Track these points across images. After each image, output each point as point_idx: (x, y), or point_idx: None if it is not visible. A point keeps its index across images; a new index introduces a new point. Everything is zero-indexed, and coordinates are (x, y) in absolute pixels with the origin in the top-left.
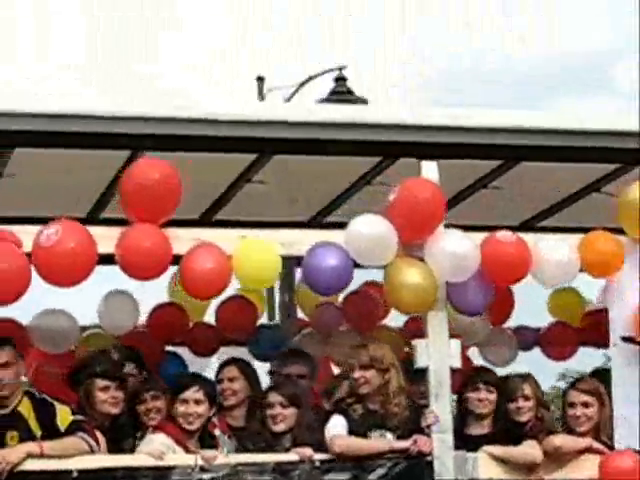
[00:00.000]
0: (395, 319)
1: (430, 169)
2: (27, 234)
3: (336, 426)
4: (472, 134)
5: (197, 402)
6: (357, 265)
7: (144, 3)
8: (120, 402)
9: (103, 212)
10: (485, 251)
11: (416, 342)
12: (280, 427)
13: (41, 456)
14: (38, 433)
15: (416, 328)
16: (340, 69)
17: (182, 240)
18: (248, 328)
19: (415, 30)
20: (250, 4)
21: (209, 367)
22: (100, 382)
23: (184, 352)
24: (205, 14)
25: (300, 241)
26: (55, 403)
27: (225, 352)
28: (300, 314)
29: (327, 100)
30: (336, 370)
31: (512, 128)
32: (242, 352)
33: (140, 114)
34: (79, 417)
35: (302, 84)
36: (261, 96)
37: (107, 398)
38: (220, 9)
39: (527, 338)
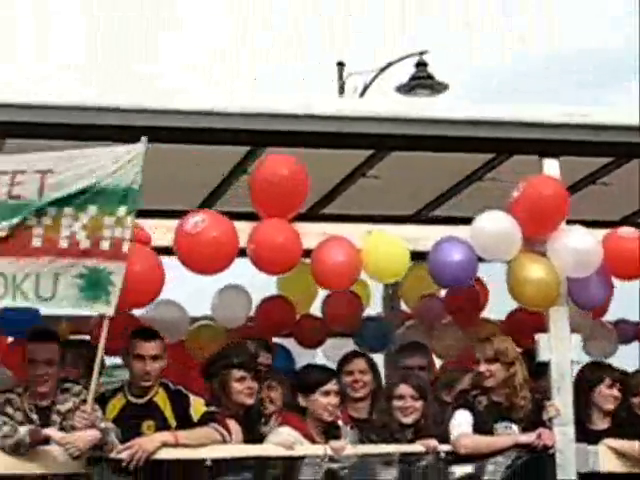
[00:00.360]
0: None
1: (552, 166)
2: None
3: (461, 424)
4: (590, 131)
5: (336, 394)
6: (480, 260)
7: (144, 3)
8: (254, 393)
9: (214, 206)
10: (607, 247)
11: (538, 336)
12: (410, 419)
13: (176, 445)
14: (173, 423)
15: (516, 322)
16: (421, 54)
17: (310, 235)
18: (354, 320)
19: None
20: (250, 4)
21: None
22: (237, 373)
23: (289, 343)
24: (205, 14)
25: (426, 236)
26: (189, 394)
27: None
28: (403, 306)
29: (408, 85)
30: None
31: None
32: (347, 344)
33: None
34: (212, 408)
35: (382, 69)
36: (341, 81)
37: (243, 389)
38: (220, 9)
39: (627, 332)
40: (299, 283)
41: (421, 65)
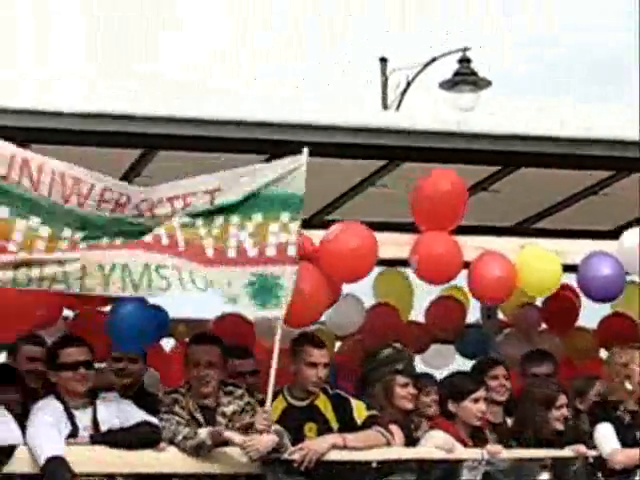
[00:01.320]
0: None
1: None
2: None
3: (608, 438)
4: None
5: (484, 401)
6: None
7: (144, 3)
8: (414, 399)
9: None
10: None
11: None
12: (563, 426)
13: (344, 447)
14: (334, 426)
15: (609, 330)
16: (464, 50)
17: (467, 247)
18: (457, 327)
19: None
20: (250, 4)
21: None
22: (401, 379)
23: None
24: (205, 14)
25: (575, 251)
26: (349, 398)
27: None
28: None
29: (451, 82)
30: None
31: None
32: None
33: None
34: (374, 412)
35: (425, 65)
36: (384, 77)
37: (406, 394)
38: (220, 9)
39: None
40: (396, 290)
41: (464, 61)
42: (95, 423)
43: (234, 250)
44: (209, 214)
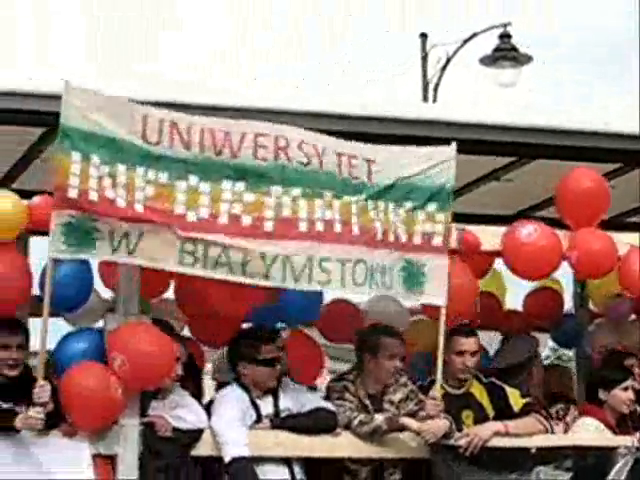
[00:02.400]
0: None
1: None
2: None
3: None
4: None
5: (633, 390)
6: None
7: (144, 3)
8: None
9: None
10: None
11: None
12: None
13: (505, 434)
14: (490, 413)
15: None
16: (505, 26)
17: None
18: (554, 316)
19: None
20: (250, 4)
21: None
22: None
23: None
24: (205, 14)
25: None
26: (504, 385)
27: None
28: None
29: (491, 57)
30: None
31: None
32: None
33: None
34: (529, 399)
35: (466, 41)
36: (424, 53)
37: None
38: (220, 9)
39: None
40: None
41: (505, 37)
42: (276, 410)
43: (393, 235)
44: (375, 194)
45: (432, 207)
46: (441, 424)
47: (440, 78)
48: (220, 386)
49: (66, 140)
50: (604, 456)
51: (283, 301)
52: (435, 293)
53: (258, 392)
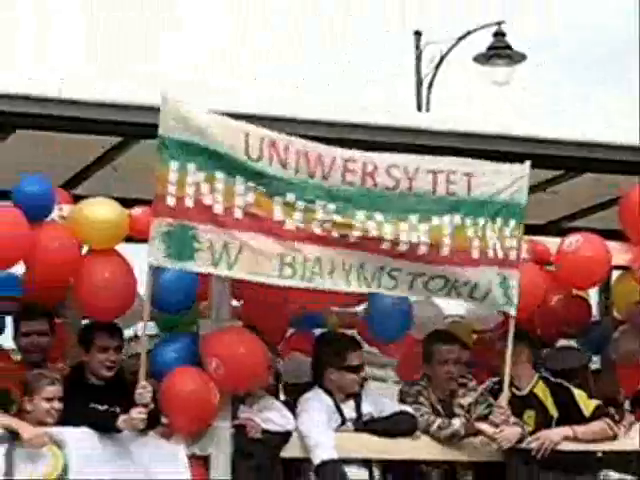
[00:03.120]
0: None
1: None
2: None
3: None
4: None
5: None
6: None
7: (144, 3)
8: None
9: None
10: None
11: None
12: None
13: (574, 439)
14: (554, 414)
15: None
16: (499, 24)
17: None
18: (583, 324)
19: None
20: (250, 4)
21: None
22: None
23: None
24: (205, 14)
25: None
26: (571, 387)
27: None
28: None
29: (485, 55)
30: None
31: None
32: None
33: None
34: (599, 402)
35: (460, 39)
36: (418, 51)
37: None
38: (220, 9)
39: None
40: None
41: (499, 35)
42: (359, 414)
43: (492, 251)
44: (472, 210)
45: (513, 223)
46: (515, 431)
47: (434, 76)
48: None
49: (164, 150)
50: None
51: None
52: (510, 303)
53: (341, 396)
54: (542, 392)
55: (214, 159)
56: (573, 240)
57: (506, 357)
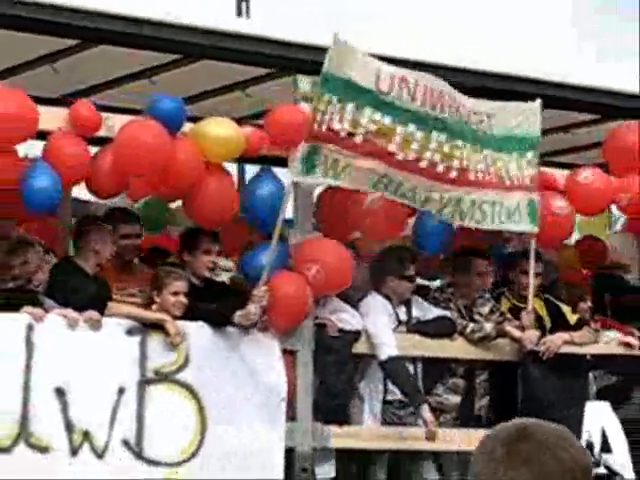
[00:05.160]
0: None
1: None
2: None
3: None
4: None
5: None
6: None
7: None
8: None
9: None
10: None
11: None
12: None
13: (572, 343)
14: (547, 324)
15: None
16: None
17: None
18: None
19: None
20: None
21: None
22: None
23: None
24: None
25: None
26: (558, 302)
27: None
28: None
29: None
30: None
31: None
32: None
33: None
34: (579, 315)
35: None
36: None
37: None
38: None
39: None
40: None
41: None
42: (409, 317)
43: (517, 179)
44: (497, 146)
45: (530, 154)
46: (535, 334)
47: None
48: None
49: (324, 84)
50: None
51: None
52: (534, 222)
53: (397, 302)
54: (539, 306)
55: (351, 92)
56: (584, 174)
57: (530, 273)
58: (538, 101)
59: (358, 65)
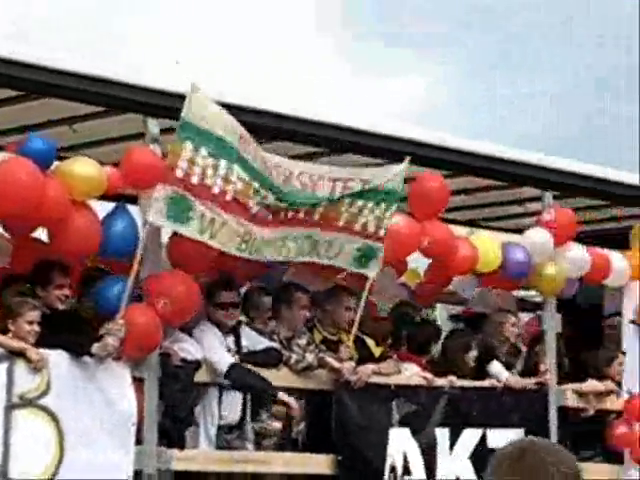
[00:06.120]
0: None
1: None
2: None
3: None
4: None
5: None
6: None
7: None
8: None
9: None
10: None
11: None
12: None
13: (379, 373)
14: (354, 356)
15: None
16: None
17: None
18: None
19: None
20: None
21: None
22: None
23: None
24: None
25: None
26: (364, 337)
27: None
28: None
29: None
30: None
31: None
32: None
33: None
34: (382, 349)
35: None
36: None
37: None
38: None
39: None
40: None
41: None
42: (239, 347)
43: (360, 225)
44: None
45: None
46: (352, 364)
47: None
48: None
49: (183, 131)
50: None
51: None
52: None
53: (224, 330)
54: (347, 338)
55: (221, 149)
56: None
57: (359, 309)
58: (406, 160)
59: (215, 115)
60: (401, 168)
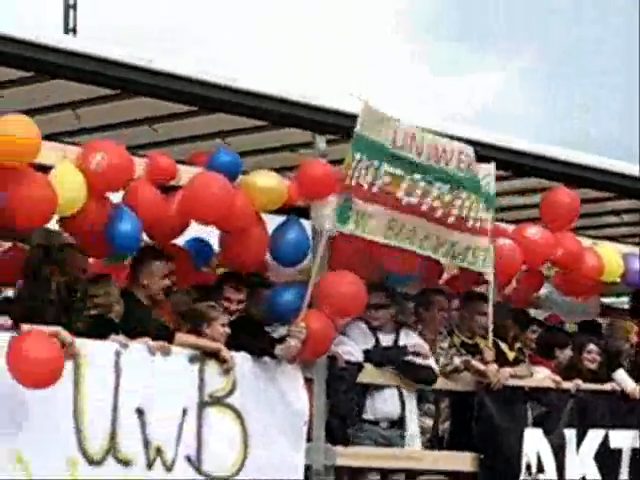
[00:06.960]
0: None
1: None
2: None
3: None
4: None
5: None
6: None
7: None
8: None
9: None
10: None
11: None
12: None
13: (515, 376)
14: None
15: None
16: None
17: None
18: None
19: None
20: None
21: None
22: None
23: None
24: None
25: None
26: (498, 340)
27: None
28: None
29: None
30: None
31: None
32: None
33: None
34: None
35: None
36: None
37: None
38: None
39: None
40: None
41: None
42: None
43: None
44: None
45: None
46: (496, 367)
47: None
48: None
49: (356, 143)
50: None
51: None
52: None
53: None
54: (483, 342)
55: (377, 149)
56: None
57: (489, 314)
58: (493, 164)
59: (380, 125)
60: (490, 167)
